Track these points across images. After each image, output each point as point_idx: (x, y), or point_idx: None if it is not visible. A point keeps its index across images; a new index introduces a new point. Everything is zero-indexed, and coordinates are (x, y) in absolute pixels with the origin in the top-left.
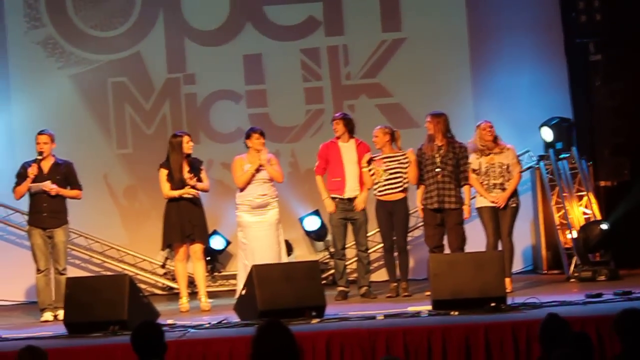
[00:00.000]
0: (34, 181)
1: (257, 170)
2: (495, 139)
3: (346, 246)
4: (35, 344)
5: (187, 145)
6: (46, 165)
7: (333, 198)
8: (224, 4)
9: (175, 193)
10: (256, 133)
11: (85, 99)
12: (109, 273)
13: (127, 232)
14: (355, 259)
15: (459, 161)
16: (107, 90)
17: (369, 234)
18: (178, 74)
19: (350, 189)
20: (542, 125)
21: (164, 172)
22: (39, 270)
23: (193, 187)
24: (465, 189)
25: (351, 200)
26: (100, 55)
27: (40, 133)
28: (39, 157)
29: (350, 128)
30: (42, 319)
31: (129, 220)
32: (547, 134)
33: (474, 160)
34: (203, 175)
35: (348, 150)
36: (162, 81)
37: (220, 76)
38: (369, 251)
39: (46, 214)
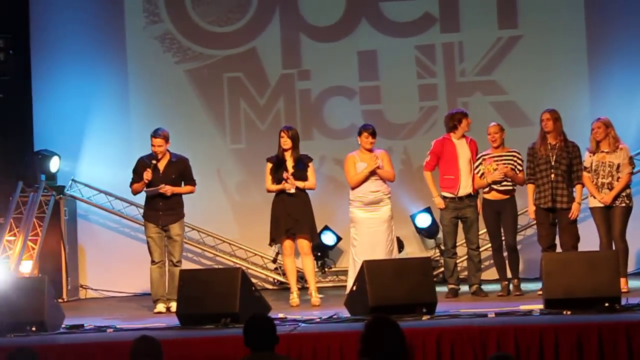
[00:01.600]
0: (150, 182)
1: (371, 173)
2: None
3: (457, 244)
4: (149, 334)
5: (282, 140)
6: (161, 164)
7: (444, 197)
8: (340, 0)
9: (274, 187)
10: (366, 132)
11: (201, 94)
12: (220, 267)
13: (239, 227)
14: (466, 257)
15: (572, 160)
16: (223, 85)
17: (480, 232)
18: (293, 69)
19: (464, 187)
20: None
21: (268, 166)
22: (153, 262)
23: (287, 179)
24: (577, 188)
25: (462, 198)
26: (217, 51)
27: (155, 135)
28: (154, 162)
29: (461, 122)
30: (155, 310)
31: (241, 214)
32: None
33: (586, 157)
34: (310, 172)
35: (462, 147)
36: (277, 77)
37: (334, 72)
38: (481, 249)
39: (162, 212)
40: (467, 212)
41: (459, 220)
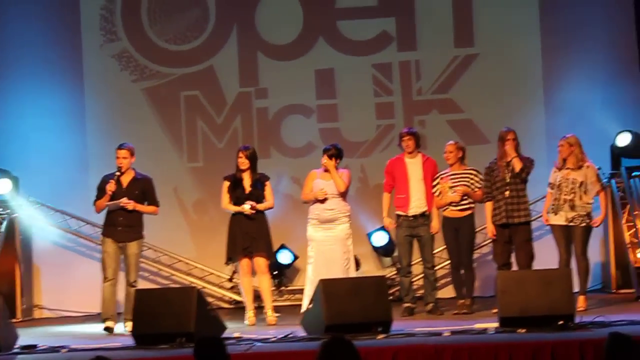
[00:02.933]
0: (113, 194)
1: (321, 202)
2: (569, 156)
3: (413, 263)
4: (103, 354)
5: (240, 160)
6: (125, 180)
7: (398, 215)
8: (298, 18)
9: (232, 208)
10: (324, 152)
11: (158, 113)
12: (177, 286)
13: (196, 245)
14: (422, 275)
15: (524, 170)
16: (180, 103)
17: (436, 251)
18: (250, 88)
19: (415, 206)
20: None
21: (226, 184)
22: (106, 279)
23: (252, 207)
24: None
25: (416, 217)
26: (174, 69)
27: (120, 147)
28: (118, 173)
29: (418, 143)
30: (105, 325)
31: (197, 233)
32: (624, 139)
33: (552, 173)
34: (268, 191)
35: (414, 166)
36: (234, 95)
37: (291, 91)
38: (436, 268)
39: (121, 227)
40: (421, 231)
41: (414, 239)
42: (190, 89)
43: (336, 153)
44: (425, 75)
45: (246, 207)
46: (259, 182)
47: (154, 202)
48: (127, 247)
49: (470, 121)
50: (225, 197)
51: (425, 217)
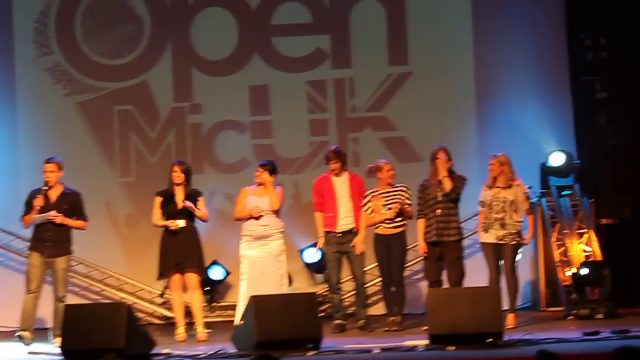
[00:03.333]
0: (41, 208)
1: (256, 218)
2: (500, 175)
3: (343, 280)
4: None
5: (174, 175)
6: (54, 194)
7: (327, 232)
8: (232, 34)
9: (161, 223)
10: (259, 167)
11: (91, 127)
12: (108, 301)
13: (127, 261)
14: (353, 292)
15: (454, 190)
16: (113, 118)
17: (368, 267)
18: (184, 103)
19: (343, 223)
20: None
21: (158, 200)
22: (29, 291)
23: (189, 208)
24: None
25: (345, 233)
26: (108, 83)
27: (47, 161)
28: (45, 188)
29: (344, 162)
30: (18, 334)
31: (129, 248)
32: (558, 159)
33: (483, 191)
34: (201, 205)
35: (341, 184)
36: (168, 110)
37: (226, 106)
38: (368, 284)
39: (49, 242)
40: (350, 248)
41: (343, 256)
42: (123, 103)
43: (273, 169)
44: (359, 92)
45: (180, 223)
46: (192, 198)
47: (82, 216)
48: (55, 262)
49: (404, 139)
50: (157, 213)
51: (353, 234)
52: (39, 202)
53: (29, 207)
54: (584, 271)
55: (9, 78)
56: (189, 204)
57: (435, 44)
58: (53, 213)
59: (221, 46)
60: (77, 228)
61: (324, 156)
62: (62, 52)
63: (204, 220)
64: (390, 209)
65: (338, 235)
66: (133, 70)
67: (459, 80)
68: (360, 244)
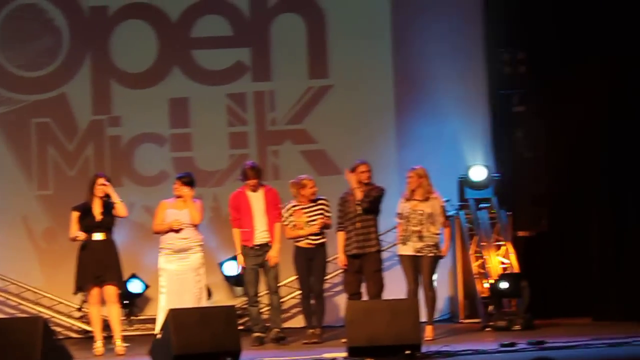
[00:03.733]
0: None
1: (175, 231)
2: (418, 187)
3: (261, 293)
4: None
5: (98, 188)
6: None
7: (244, 247)
8: (152, 47)
9: (73, 234)
10: (177, 179)
11: (8, 139)
12: (24, 315)
13: (45, 275)
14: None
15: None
16: (30, 130)
17: (287, 280)
18: (103, 115)
19: (259, 237)
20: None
21: (75, 215)
22: None
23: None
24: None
25: (262, 246)
26: (25, 95)
27: None
28: None
29: (261, 178)
30: None
31: (47, 262)
32: (480, 174)
33: (400, 204)
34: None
35: (257, 199)
36: (86, 123)
37: (145, 119)
38: (288, 297)
39: None
40: (265, 260)
41: (259, 268)
42: (41, 116)
43: (191, 182)
44: (280, 105)
45: (96, 235)
46: (108, 209)
47: None
48: None
49: (324, 152)
50: (74, 227)
51: (269, 246)
52: None
53: None
54: (504, 285)
55: None
56: (110, 189)
57: (355, 57)
58: None
59: (141, 58)
60: None
61: (240, 172)
62: None
63: (122, 215)
64: (313, 223)
65: (255, 248)
66: (51, 83)
67: (379, 94)
68: (274, 256)
